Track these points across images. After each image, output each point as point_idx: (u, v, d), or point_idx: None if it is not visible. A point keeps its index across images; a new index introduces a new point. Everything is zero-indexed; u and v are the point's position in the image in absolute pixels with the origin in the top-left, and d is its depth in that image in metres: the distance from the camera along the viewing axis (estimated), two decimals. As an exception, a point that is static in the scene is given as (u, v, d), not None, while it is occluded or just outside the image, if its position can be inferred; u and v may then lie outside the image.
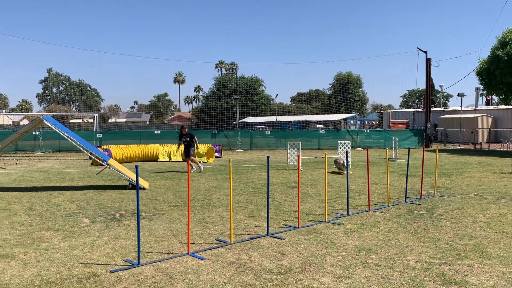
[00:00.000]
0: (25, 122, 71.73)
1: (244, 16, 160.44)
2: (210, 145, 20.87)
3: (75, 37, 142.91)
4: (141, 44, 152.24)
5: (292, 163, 15.59)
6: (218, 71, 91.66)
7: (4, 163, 17.51)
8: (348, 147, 15.59)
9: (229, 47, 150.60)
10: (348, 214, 7.64)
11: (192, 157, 14.68)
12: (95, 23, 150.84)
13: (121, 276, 4.59)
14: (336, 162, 14.48)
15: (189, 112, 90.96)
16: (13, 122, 72.58)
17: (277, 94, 76.59)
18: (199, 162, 15.50)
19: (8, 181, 12.49)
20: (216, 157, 20.95)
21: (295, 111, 71.30)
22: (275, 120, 50.03)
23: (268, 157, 6.76)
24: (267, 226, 6.37)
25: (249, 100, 61.37)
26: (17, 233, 6.41)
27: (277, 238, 6.10)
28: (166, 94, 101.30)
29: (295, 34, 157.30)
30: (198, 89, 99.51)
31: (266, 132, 30.32)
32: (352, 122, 54.65)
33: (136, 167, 5.14)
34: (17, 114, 78.71)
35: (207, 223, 7.10)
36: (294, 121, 55.04)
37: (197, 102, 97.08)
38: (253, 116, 58.81)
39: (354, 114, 51.97)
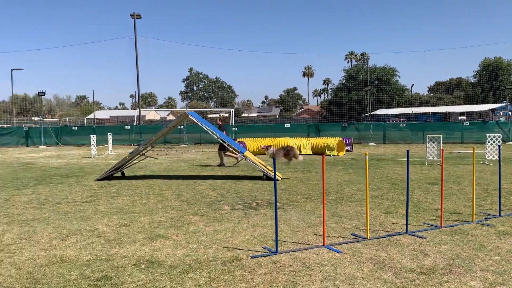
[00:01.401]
0: (171, 117, 79.67)
1: (375, 3, 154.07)
2: (341, 139, 20.61)
3: (213, 37, 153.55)
4: (272, 40, 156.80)
5: (432, 158, 14.54)
6: (348, 62, 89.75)
7: (157, 154, 19.70)
8: (499, 141, 13.96)
9: (360, 37, 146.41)
10: (500, 215, 6.86)
11: (225, 151, 14.50)
12: (229, 23, 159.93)
13: (261, 262, 4.82)
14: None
15: (317, 105, 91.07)
16: (161, 117, 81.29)
17: (412, 84, 71.87)
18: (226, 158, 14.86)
19: (159, 169, 14.02)
20: (347, 150, 20.60)
21: (433, 102, 66.24)
22: (410, 112, 47.16)
23: (407, 151, 6.41)
24: (406, 224, 6.05)
25: (381, 91, 58.85)
26: (169, 216, 7.16)
27: (417, 236, 5.76)
28: (295, 88, 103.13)
29: (433, 18, 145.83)
30: (327, 81, 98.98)
31: (401, 124, 28.77)
32: (501, 112, 48.68)
33: (274, 160, 5.32)
34: (164, 110, 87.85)
35: (341, 217, 7.04)
36: (432, 113, 51.11)
37: (326, 95, 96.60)
38: (385, 108, 56.28)
39: (505, 103, 46.22)
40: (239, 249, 5.33)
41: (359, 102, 53.10)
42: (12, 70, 42.72)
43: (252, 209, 7.64)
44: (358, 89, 57.85)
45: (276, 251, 5.15)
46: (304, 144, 19.95)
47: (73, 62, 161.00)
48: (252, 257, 4.99)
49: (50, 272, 4.57)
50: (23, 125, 42.10)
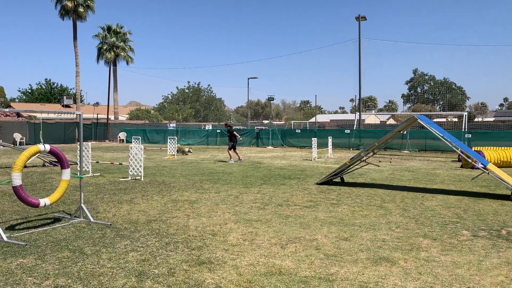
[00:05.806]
0: (391, 121, 76.93)
1: None
2: None
3: (441, 35, 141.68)
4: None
5: None
6: None
7: (379, 161, 18.74)
8: None
9: None
10: None
11: (229, 150, 18.54)
12: (462, 15, 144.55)
13: (528, 324, 3.50)
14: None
15: None
16: (380, 121, 79.32)
17: None
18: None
19: (380, 177, 13.09)
20: None
21: None
22: None
23: None
24: None
25: None
26: (394, 235, 6.26)
27: None
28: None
29: None
30: None
31: None
32: None
33: None
34: (384, 114, 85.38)
35: None
36: None
37: None
38: None
39: None
40: (491, 295, 4.08)
41: None
42: (248, 78, 48.24)
43: (502, 239, 6.04)
44: None
45: (551, 310, 3.70)
46: None
47: (298, 69, 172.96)
48: (514, 313, 3.70)
49: (268, 284, 4.32)
50: (255, 127, 47.06)
